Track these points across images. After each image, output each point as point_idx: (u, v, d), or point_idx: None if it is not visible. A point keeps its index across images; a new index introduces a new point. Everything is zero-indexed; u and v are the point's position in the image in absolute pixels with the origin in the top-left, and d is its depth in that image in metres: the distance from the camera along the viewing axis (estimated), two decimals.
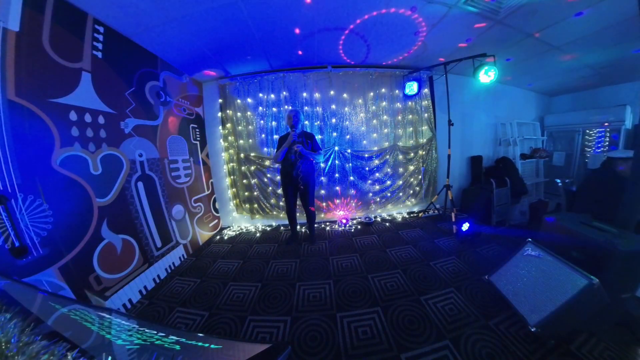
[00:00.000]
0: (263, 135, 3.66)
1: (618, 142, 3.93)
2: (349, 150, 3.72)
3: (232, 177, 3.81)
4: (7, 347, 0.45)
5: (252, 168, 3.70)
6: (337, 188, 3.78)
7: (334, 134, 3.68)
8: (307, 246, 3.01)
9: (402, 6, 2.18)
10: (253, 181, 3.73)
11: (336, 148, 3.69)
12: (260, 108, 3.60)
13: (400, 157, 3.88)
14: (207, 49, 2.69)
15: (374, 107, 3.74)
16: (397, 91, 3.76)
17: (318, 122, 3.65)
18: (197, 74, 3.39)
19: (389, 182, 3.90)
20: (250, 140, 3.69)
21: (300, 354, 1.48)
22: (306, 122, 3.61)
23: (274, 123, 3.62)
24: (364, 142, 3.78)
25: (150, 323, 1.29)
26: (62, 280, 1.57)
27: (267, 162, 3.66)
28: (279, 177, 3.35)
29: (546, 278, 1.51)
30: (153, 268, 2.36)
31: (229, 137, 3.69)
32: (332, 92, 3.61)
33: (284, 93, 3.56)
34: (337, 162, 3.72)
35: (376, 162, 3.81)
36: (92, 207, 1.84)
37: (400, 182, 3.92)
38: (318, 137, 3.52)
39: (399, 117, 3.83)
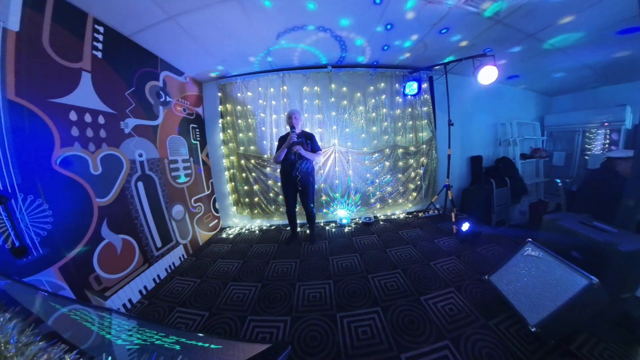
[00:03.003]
0: (263, 135, 3.65)
1: (618, 142, 3.93)
2: (348, 150, 3.72)
3: (232, 177, 3.81)
4: (7, 347, 0.45)
5: (252, 168, 3.70)
6: (337, 188, 3.78)
7: (334, 133, 3.67)
8: (307, 246, 3.01)
9: None
10: (253, 181, 3.73)
11: (336, 148, 3.69)
12: (260, 108, 3.60)
13: (400, 157, 3.88)
14: (207, 48, 2.69)
15: (373, 108, 3.74)
16: (397, 91, 3.75)
17: (318, 122, 3.65)
18: (197, 74, 3.39)
19: (389, 183, 3.90)
20: (250, 140, 3.68)
21: (300, 354, 1.48)
22: (306, 122, 3.60)
23: (274, 123, 3.62)
24: (364, 142, 3.78)
25: (150, 323, 1.29)
26: (62, 280, 1.57)
27: (267, 162, 3.66)
28: (279, 177, 3.34)
29: (546, 278, 1.51)
30: (153, 268, 2.36)
31: (229, 137, 3.69)
32: (332, 92, 3.61)
33: (284, 93, 3.56)
34: (336, 162, 3.72)
35: (376, 162, 3.81)
36: (92, 207, 1.83)
37: (400, 182, 3.92)
38: (318, 137, 3.52)
39: (399, 117, 3.82)
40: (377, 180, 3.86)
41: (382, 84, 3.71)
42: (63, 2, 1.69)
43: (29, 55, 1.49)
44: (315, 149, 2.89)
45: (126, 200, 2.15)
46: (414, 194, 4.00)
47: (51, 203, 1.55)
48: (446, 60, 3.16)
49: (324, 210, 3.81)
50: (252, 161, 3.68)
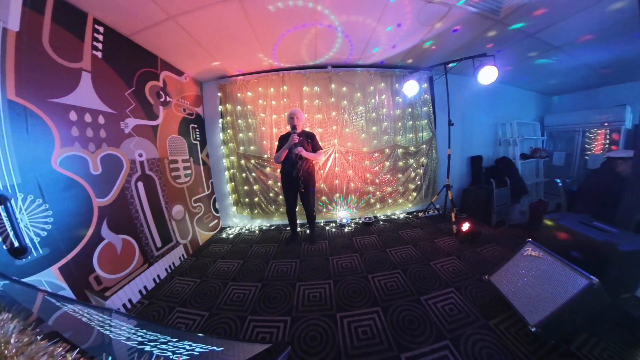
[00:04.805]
0: (263, 135, 3.65)
1: (618, 142, 3.93)
2: (349, 151, 3.72)
3: (232, 177, 3.81)
4: (7, 347, 0.45)
5: (252, 168, 3.69)
6: (337, 188, 3.78)
7: (334, 134, 3.67)
8: (307, 246, 3.01)
9: None
10: (253, 181, 3.73)
11: (336, 148, 3.69)
12: (261, 108, 3.60)
13: (400, 157, 3.88)
14: (207, 48, 2.69)
15: (374, 108, 3.73)
16: (397, 91, 3.75)
17: (318, 121, 3.65)
18: (197, 74, 3.39)
19: (388, 183, 3.90)
20: (250, 140, 3.68)
21: (300, 354, 1.48)
22: (306, 122, 3.60)
23: (274, 123, 3.61)
24: (364, 142, 3.78)
25: (150, 323, 1.29)
26: (62, 280, 1.57)
27: (267, 162, 3.66)
28: (279, 177, 3.34)
29: (546, 278, 1.51)
30: (153, 268, 2.36)
31: (229, 137, 3.69)
32: (332, 92, 3.61)
33: (284, 93, 3.56)
34: (337, 161, 3.72)
35: (376, 161, 3.81)
36: (92, 207, 1.83)
37: (400, 182, 3.92)
38: (318, 137, 3.52)
39: (399, 117, 3.82)
40: (377, 180, 3.86)
41: (382, 84, 3.71)
42: (63, 2, 1.69)
43: (29, 55, 1.49)
44: (316, 148, 2.89)
45: (126, 200, 2.15)
46: (414, 194, 4.00)
47: (51, 203, 1.55)
48: (446, 60, 3.16)
49: (324, 210, 3.81)
50: (252, 161, 3.67)
